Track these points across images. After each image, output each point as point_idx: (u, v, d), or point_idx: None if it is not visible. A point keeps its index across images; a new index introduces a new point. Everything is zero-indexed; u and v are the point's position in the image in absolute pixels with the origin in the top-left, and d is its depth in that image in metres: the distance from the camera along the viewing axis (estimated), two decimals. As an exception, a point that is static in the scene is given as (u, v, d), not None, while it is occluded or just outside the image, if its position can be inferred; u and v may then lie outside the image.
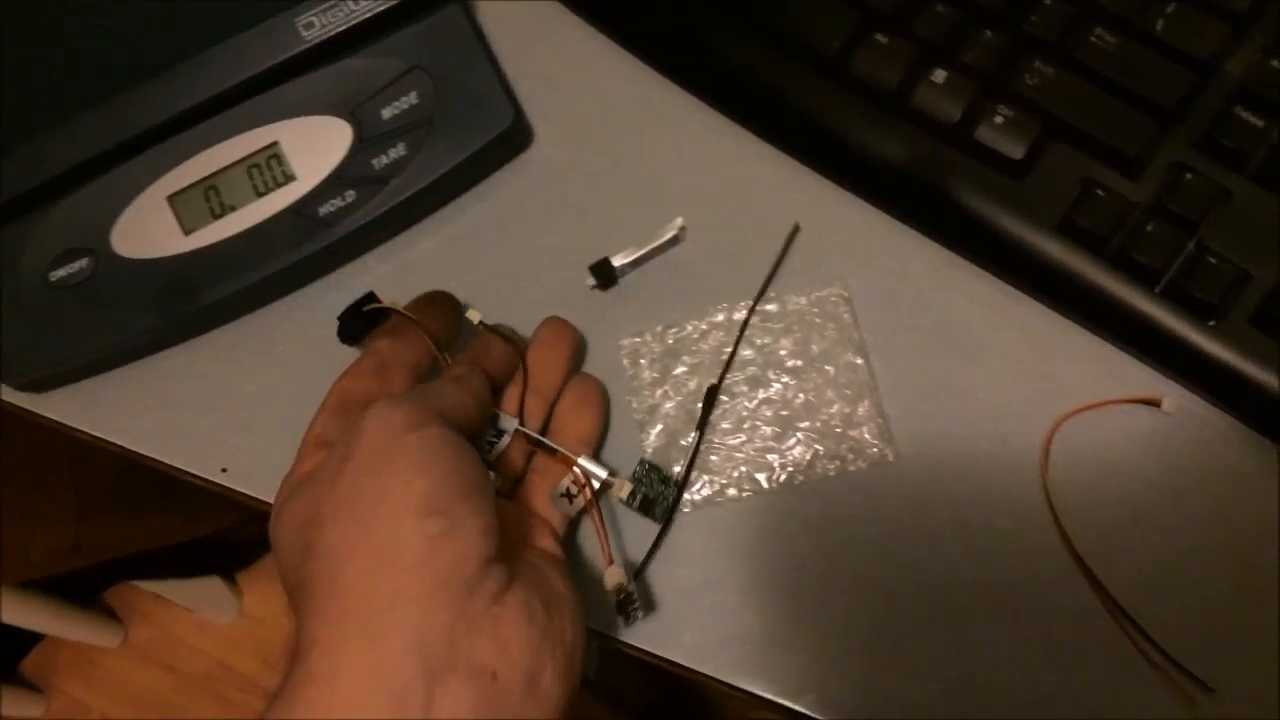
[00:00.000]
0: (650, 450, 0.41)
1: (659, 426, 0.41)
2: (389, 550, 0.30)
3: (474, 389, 0.37)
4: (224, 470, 0.43)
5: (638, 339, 0.42)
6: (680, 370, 0.41)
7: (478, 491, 0.32)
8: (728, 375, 0.41)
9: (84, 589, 0.80)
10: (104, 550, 0.67)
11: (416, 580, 0.30)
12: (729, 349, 0.41)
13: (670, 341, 0.42)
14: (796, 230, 0.42)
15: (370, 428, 0.32)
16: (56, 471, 0.59)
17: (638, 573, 0.39)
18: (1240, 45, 0.39)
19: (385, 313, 0.39)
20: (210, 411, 0.43)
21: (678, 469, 0.40)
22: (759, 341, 0.41)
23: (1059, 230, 0.39)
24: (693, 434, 0.40)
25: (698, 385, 0.41)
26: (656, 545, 0.40)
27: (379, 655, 0.29)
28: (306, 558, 0.31)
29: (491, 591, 0.30)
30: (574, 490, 0.38)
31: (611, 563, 0.37)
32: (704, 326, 0.42)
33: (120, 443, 0.44)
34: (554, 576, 0.34)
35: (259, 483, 0.43)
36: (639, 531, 0.40)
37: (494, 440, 0.39)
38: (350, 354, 0.40)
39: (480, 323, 0.40)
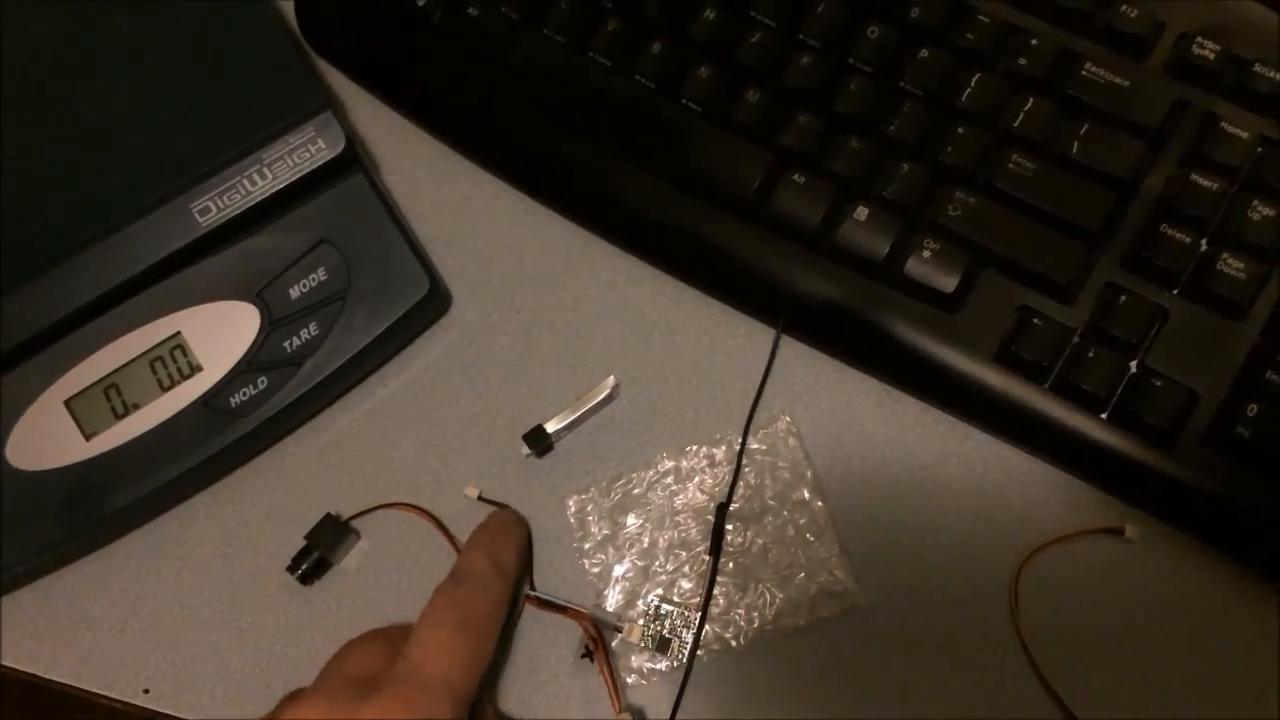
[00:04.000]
0: (610, 609, 0.39)
1: (616, 587, 0.39)
2: None
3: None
4: (146, 691, 0.40)
5: (584, 495, 0.40)
6: (631, 526, 0.39)
7: None
8: (678, 526, 0.39)
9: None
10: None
11: None
12: (679, 498, 0.40)
13: (617, 496, 0.40)
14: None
15: None
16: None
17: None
18: (1157, 159, 0.39)
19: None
20: (127, 627, 0.40)
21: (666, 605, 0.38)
22: (710, 486, 0.40)
23: (998, 360, 0.38)
24: (651, 590, 0.38)
25: (650, 541, 0.39)
26: (685, 682, 0.37)
27: None
28: None
29: None
30: (592, 648, 0.37)
31: (621, 711, 0.36)
32: (651, 475, 0.40)
33: (31, 670, 0.40)
34: None
35: (184, 702, 0.39)
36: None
37: None
38: (266, 555, 0.37)
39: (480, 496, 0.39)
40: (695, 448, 0.40)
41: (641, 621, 0.38)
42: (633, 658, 0.38)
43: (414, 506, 0.40)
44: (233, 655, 0.40)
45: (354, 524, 0.40)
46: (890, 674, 0.38)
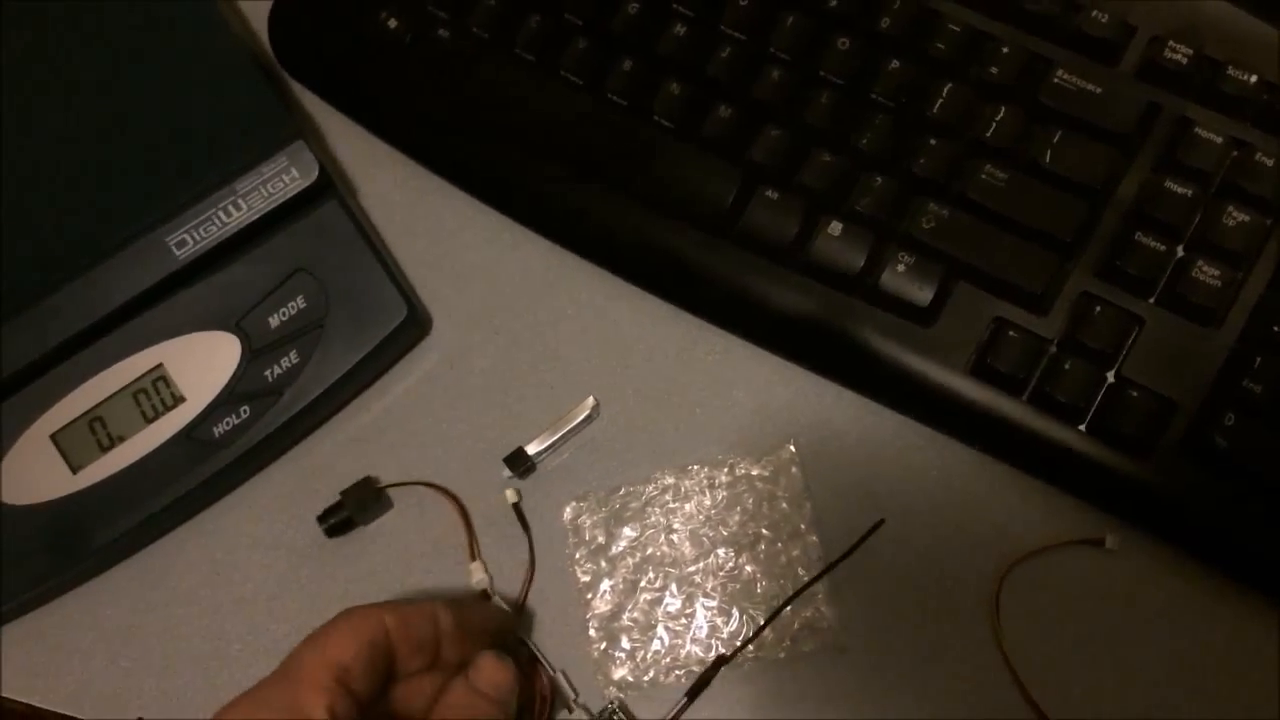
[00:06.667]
0: (594, 624, 0.39)
1: (604, 598, 0.39)
2: None
3: None
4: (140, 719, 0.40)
5: (581, 503, 0.40)
6: (626, 538, 0.40)
7: None
8: (673, 544, 0.39)
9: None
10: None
11: None
12: (676, 517, 0.40)
13: (615, 507, 0.40)
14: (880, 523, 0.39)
15: None
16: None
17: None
18: (1130, 166, 0.39)
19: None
20: (118, 657, 0.41)
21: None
22: (707, 508, 0.40)
23: (974, 373, 0.38)
24: (636, 614, 0.38)
25: (643, 556, 0.39)
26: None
27: None
28: None
29: None
30: (543, 709, 0.37)
31: None
32: (651, 490, 0.40)
33: (26, 701, 0.41)
34: None
35: (177, 726, 0.40)
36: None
37: None
38: (254, 582, 0.38)
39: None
40: (697, 468, 0.40)
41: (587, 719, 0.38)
42: None
43: (447, 491, 0.41)
44: (224, 681, 0.40)
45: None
46: (872, 705, 0.37)
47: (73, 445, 0.41)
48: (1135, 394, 0.36)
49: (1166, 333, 0.37)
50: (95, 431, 0.41)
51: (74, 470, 0.41)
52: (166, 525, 0.41)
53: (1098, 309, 0.37)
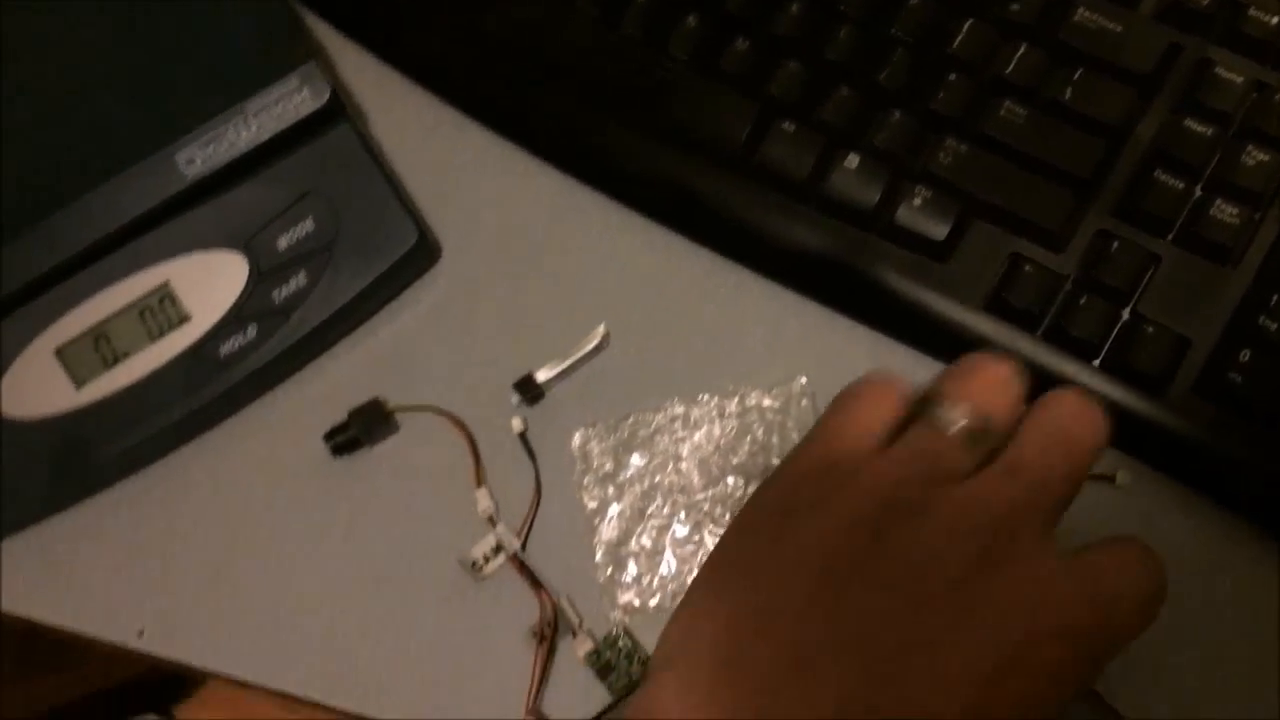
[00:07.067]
0: (601, 550, 0.38)
1: (611, 525, 0.39)
2: None
3: None
4: (140, 634, 0.40)
5: (590, 429, 0.40)
6: (635, 466, 0.39)
7: None
8: (680, 473, 0.39)
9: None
10: (20, 711, 0.63)
11: None
12: (685, 445, 0.39)
13: (624, 435, 0.40)
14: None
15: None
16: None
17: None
18: (1149, 106, 0.38)
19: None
20: (119, 572, 0.40)
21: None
22: (716, 437, 0.40)
23: (988, 309, 0.38)
24: (644, 540, 0.38)
25: (651, 483, 0.39)
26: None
27: None
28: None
29: None
30: (547, 632, 0.37)
31: (528, 713, 0.36)
32: (660, 419, 0.40)
33: (25, 614, 0.40)
34: None
35: (178, 644, 0.40)
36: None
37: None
38: (257, 501, 0.37)
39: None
40: (707, 396, 0.40)
41: (590, 644, 0.37)
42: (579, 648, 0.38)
43: (454, 417, 0.40)
44: (224, 600, 0.40)
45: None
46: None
47: (77, 361, 0.40)
48: (1150, 330, 0.36)
49: (1183, 271, 0.37)
50: (100, 348, 0.40)
51: (78, 386, 0.40)
52: (170, 443, 0.41)
53: (1114, 246, 0.37)
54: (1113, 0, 0.39)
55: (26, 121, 0.41)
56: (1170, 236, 0.37)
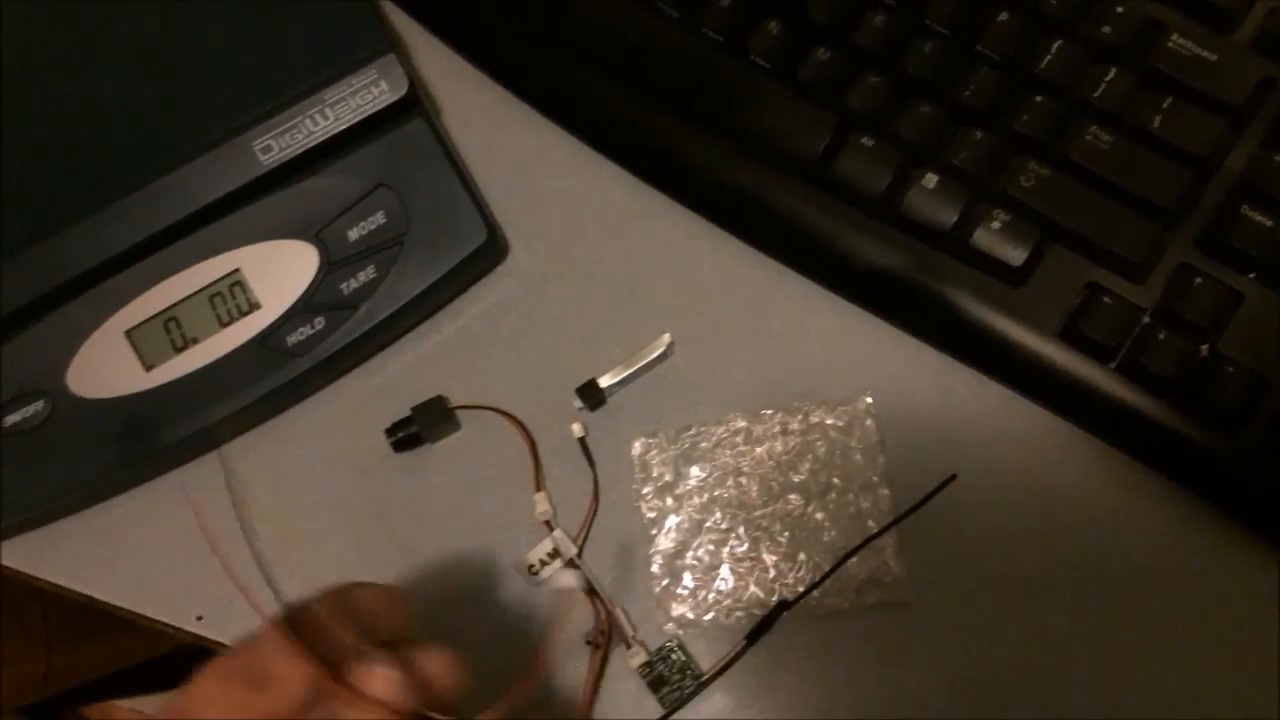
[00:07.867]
0: (657, 561, 0.39)
1: (669, 535, 0.39)
2: None
3: None
4: (199, 618, 0.41)
5: (651, 439, 0.40)
6: (694, 478, 0.39)
7: None
8: (741, 487, 0.39)
9: (54, 714, 0.77)
10: (76, 675, 0.64)
11: None
12: (745, 460, 0.39)
13: (685, 446, 0.40)
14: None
15: None
16: (28, 598, 0.56)
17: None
18: (1238, 139, 0.38)
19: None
20: (180, 555, 0.41)
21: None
22: (778, 454, 0.39)
23: (1062, 337, 0.37)
24: (700, 554, 0.38)
25: (710, 497, 0.39)
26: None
27: None
28: None
29: None
30: (601, 640, 0.37)
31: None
32: (721, 432, 0.40)
33: (87, 592, 0.41)
34: None
35: (237, 630, 0.40)
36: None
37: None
38: (318, 491, 0.38)
39: None
40: (770, 413, 0.40)
41: (644, 655, 0.37)
42: (632, 659, 0.38)
43: (516, 419, 0.41)
44: (285, 589, 0.40)
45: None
46: (926, 670, 0.37)
47: (147, 343, 0.41)
48: (1229, 370, 0.36)
49: (1266, 310, 0.36)
50: (170, 331, 0.41)
51: (147, 368, 0.41)
52: (235, 429, 0.42)
53: (1197, 280, 0.36)
54: (1208, 27, 0.38)
55: (110, 102, 0.42)
56: (1254, 274, 0.37)
